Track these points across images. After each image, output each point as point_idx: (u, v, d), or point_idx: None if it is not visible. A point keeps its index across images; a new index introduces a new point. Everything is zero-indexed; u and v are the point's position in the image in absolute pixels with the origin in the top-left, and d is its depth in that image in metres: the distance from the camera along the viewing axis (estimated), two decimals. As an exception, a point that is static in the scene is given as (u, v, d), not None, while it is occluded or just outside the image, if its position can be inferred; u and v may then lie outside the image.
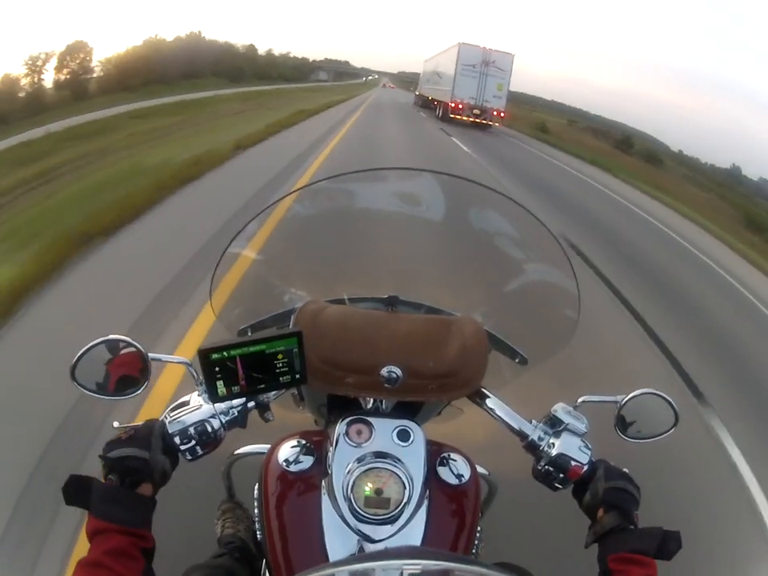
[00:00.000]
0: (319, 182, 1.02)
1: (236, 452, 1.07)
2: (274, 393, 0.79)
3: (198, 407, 0.74)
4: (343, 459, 0.74)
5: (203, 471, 0.96)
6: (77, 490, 0.61)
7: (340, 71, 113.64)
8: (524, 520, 1.69)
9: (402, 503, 0.71)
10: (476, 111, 18.84)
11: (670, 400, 0.81)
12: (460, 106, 18.75)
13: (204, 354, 0.67)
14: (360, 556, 0.66)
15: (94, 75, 21.28)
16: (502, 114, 19.27)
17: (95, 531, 0.60)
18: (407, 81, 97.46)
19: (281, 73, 53.53)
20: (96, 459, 0.67)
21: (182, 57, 27.87)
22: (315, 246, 1.21)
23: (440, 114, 20.58)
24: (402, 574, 0.42)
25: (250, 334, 0.98)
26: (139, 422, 0.72)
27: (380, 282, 1.10)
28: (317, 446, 0.80)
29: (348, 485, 0.71)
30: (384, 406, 0.88)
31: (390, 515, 0.70)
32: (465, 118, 18.75)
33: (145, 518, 0.63)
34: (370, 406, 0.88)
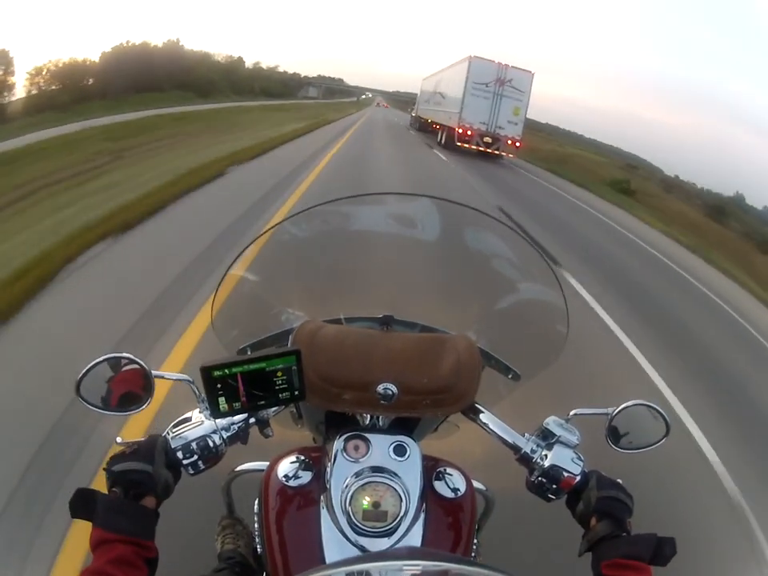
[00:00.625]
0: (316, 207, 1.05)
1: (236, 469, 1.08)
2: (273, 409, 0.81)
3: (199, 423, 0.76)
4: (341, 474, 0.75)
5: (204, 487, 0.97)
6: (82, 503, 0.62)
7: (332, 88, 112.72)
8: (521, 533, 1.69)
9: (399, 516, 0.73)
10: (487, 139, 16.05)
11: (661, 410, 0.83)
12: (469, 132, 15.89)
13: (206, 371, 0.69)
14: (359, 557, 0.68)
15: (14, 92, 17.93)
16: (518, 144, 16.35)
17: (99, 542, 0.60)
18: (402, 101, 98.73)
19: (264, 87, 47.96)
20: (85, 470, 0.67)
21: (138, 66, 23.69)
22: (312, 268, 1.23)
23: (443, 140, 17.69)
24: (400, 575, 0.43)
25: (249, 353, 1.00)
26: (142, 437, 0.74)
27: (375, 302, 1.13)
28: (315, 461, 0.82)
29: (346, 499, 0.73)
30: (381, 423, 0.89)
31: (387, 528, 0.72)
32: (474, 147, 16.05)
33: (148, 529, 0.64)
34: (367, 422, 0.89)
